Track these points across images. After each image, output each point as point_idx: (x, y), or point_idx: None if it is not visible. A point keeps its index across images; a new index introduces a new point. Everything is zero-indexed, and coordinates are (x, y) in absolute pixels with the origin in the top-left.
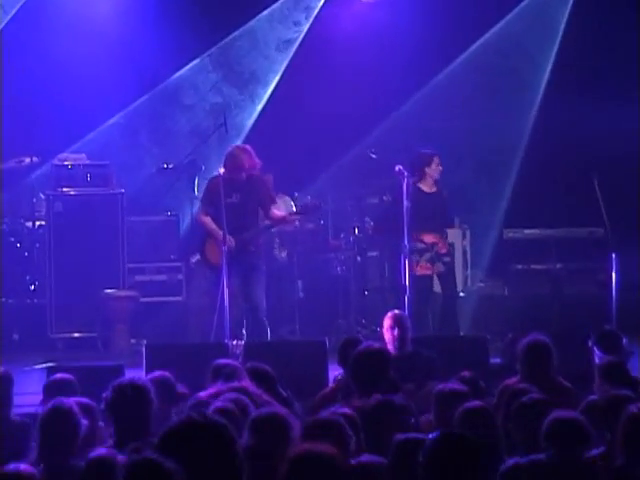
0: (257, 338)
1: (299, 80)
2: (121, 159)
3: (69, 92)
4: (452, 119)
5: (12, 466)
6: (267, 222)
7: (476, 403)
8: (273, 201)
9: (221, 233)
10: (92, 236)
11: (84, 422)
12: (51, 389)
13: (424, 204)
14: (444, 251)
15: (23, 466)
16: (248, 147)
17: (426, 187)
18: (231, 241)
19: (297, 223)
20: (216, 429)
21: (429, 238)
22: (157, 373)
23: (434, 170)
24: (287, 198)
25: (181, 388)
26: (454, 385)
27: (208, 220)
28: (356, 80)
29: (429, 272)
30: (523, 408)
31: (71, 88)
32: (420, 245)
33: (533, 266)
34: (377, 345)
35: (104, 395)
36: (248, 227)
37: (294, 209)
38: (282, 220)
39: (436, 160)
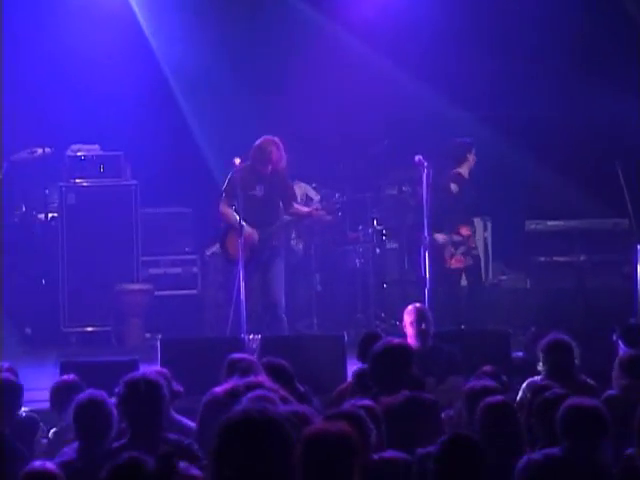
0: (275, 334)
1: (315, 67)
2: (135, 149)
3: (82, 80)
4: (472, 107)
5: (38, 464)
6: (290, 217)
7: (498, 398)
8: (295, 197)
9: (246, 227)
10: (105, 228)
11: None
12: (60, 392)
13: (467, 192)
14: (473, 245)
15: (49, 464)
16: (277, 140)
17: (466, 175)
18: (254, 234)
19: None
20: (278, 427)
21: (465, 231)
22: (154, 369)
23: (473, 159)
24: (303, 184)
25: (176, 386)
26: (485, 382)
27: (230, 212)
28: (373, 67)
29: (461, 265)
30: (545, 403)
31: (84, 76)
32: (457, 238)
33: (556, 258)
34: (397, 340)
35: (116, 390)
36: (271, 221)
37: (311, 194)
38: (306, 215)
39: (473, 150)
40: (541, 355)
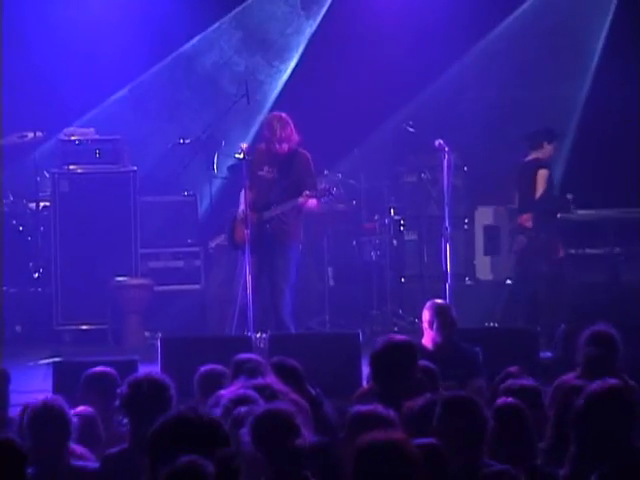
0: (279, 332)
1: (327, 50)
2: (133, 133)
3: (76, 61)
4: (495, 90)
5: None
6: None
7: (508, 400)
8: (313, 186)
9: (241, 207)
10: (102, 218)
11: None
12: (90, 383)
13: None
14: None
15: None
16: (284, 115)
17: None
18: (248, 215)
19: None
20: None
21: (525, 220)
22: (144, 371)
23: (550, 149)
24: None
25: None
26: (524, 381)
27: (242, 195)
28: (389, 50)
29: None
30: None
31: (78, 57)
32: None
33: (588, 250)
34: (400, 337)
35: (119, 391)
36: (270, 204)
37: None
38: (295, 203)
39: (555, 144)
40: (581, 348)
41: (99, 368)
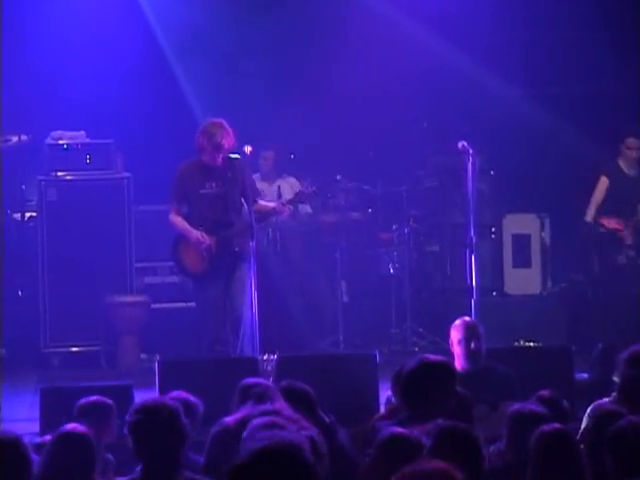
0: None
1: (334, 45)
2: (127, 136)
3: (64, 58)
4: (524, 85)
5: None
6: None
7: (555, 426)
8: (258, 192)
9: (195, 233)
10: (93, 230)
11: (35, 458)
12: (83, 415)
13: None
14: (629, 242)
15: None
16: (224, 122)
17: (624, 166)
18: (207, 239)
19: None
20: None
21: (610, 223)
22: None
23: (625, 150)
24: (293, 180)
25: None
26: (533, 406)
27: (179, 220)
28: (406, 45)
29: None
30: (620, 434)
31: (66, 53)
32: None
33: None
34: (435, 357)
35: (127, 418)
36: (230, 223)
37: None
38: (272, 212)
39: (626, 140)
40: (620, 369)
41: (94, 398)
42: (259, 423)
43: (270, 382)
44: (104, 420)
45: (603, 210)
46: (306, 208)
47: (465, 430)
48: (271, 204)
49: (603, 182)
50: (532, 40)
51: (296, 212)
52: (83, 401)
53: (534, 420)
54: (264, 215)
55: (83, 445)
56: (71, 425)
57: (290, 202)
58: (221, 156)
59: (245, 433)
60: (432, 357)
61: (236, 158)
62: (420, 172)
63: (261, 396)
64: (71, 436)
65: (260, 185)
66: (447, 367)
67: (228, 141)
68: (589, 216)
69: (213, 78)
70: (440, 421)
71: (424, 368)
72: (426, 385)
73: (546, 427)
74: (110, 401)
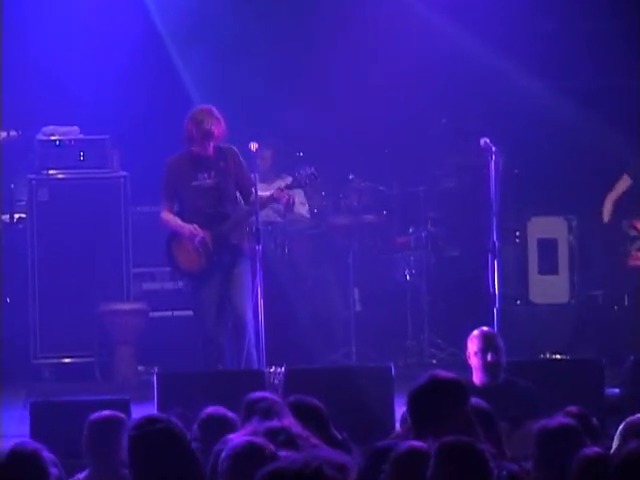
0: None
1: (344, 36)
2: (123, 132)
3: (56, 47)
4: (548, 78)
5: None
6: (248, 206)
7: (594, 450)
8: (254, 182)
9: (187, 227)
10: (87, 232)
11: (54, 472)
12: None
13: None
14: None
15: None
16: (214, 109)
17: None
18: (200, 231)
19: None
20: None
21: None
22: (105, 413)
23: None
24: (289, 178)
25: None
26: (561, 419)
27: (170, 217)
28: (418, 35)
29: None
30: None
31: (59, 42)
32: (633, 232)
33: None
34: (446, 373)
35: (130, 434)
36: (226, 216)
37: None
38: (270, 199)
39: None
40: None
41: (106, 412)
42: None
43: (277, 397)
44: (117, 436)
45: (621, 210)
46: (300, 209)
47: (468, 444)
48: (266, 193)
49: (625, 181)
50: (556, 30)
51: (290, 213)
52: (95, 416)
53: (564, 434)
54: (261, 204)
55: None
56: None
57: (288, 187)
58: (212, 145)
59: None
60: (443, 373)
61: (228, 147)
62: (439, 171)
63: (268, 412)
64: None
65: (258, 186)
66: (459, 384)
67: (218, 129)
68: (606, 216)
69: (215, 72)
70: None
71: (433, 386)
72: (435, 403)
73: (588, 451)
74: (123, 415)
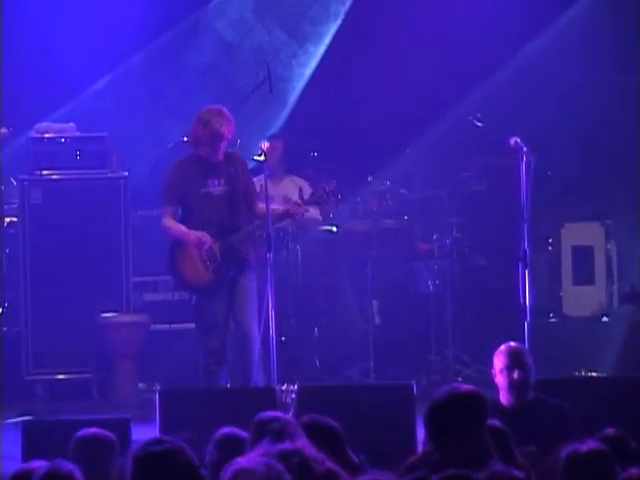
0: (246, 385)
1: (369, 27)
2: (123, 130)
3: (51, 37)
4: (584, 74)
5: None
6: (260, 219)
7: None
8: (257, 194)
9: (193, 234)
10: (84, 238)
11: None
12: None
13: None
14: None
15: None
16: (224, 108)
17: None
18: (208, 239)
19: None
20: None
21: None
22: (91, 430)
23: None
24: (302, 182)
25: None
26: (593, 444)
27: (174, 223)
28: (448, 29)
29: None
30: None
31: (54, 31)
32: None
33: None
34: (467, 387)
35: (134, 453)
36: (236, 226)
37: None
38: (285, 214)
39: None
40: None
41: (93, 430)
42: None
43: (290, 416)
44: (104, 458)
45: None
46: (312, 212)
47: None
48: (281, 206)
49: None
50: (590, 23)
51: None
52: (81, 434)
53: (593, 461)
54: (275, 219)
55: None
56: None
57: (305, 203)
58: (222, 147)
59: None
60: (463, 386)
61: (234, 153)
62: (465, 173)
63: (280, 433)
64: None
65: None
66: (479, 398)
67: (229, 129)
68: None
69: (223, 63)
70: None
71: (452, 401)
72: (454, 417)
73: (635, 471)
74: (112, 435)
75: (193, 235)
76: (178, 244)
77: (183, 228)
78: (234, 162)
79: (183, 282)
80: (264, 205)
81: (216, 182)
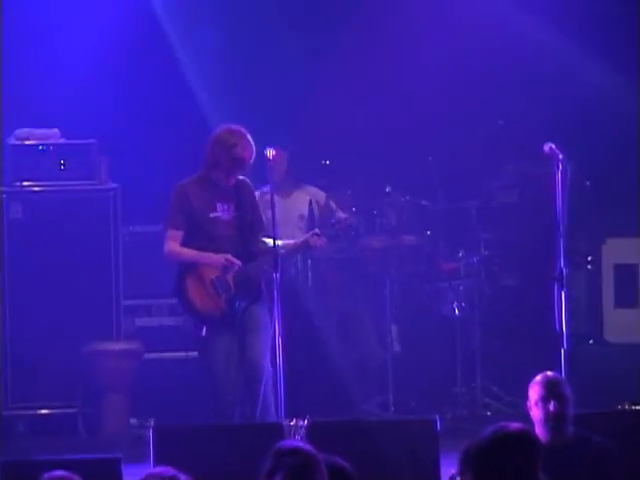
0: (257, 420)
1: (386, 29)
2: (114, 135)
3: (32, 33)
4: (627, 71)
5: None
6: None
7: None
8: (263, 226)
9: (217, 257)
10: (69, 257)
11: None
12: None
13: None
14: None
15: None
16: (244, 130)
17: None
18: (236, 261)
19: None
20: None
21: None
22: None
23: None
24: (314, 189)
25: None
26: None
27: (185, 250)
28: (468, 22)
29: None
30: None
31: (36, 26)
32: None
33: None
34: (517, 425)
35: None
36: (248, 255)
37: (333, 207)
38: (303, 246)
39: None
40: None
41: (59, 473)
42: None
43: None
44: None
45: None
46: None
47: None
48: (292, 241)
49: None
50: (630, 15)
51: None
52: (46, 477)
53: None
54: (293, 250)
55: None
56: None
57: (326, 235)
58: (239, 174)
59: None
60: (513, 425)
61: (242, 179)
62: (494, 183)
63: (295, 470)
64: None
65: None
66: (531, 438)
67: (250, 155)
68: None
69: (224, 61)
70: None
71: (501, 442)
72: (503, 465)
73: None
74: (78, 478)
75: (219, 257)
76: (189, 269)
77: (199, 252)
78: (244, 189)
79: (195, 313)
80: (269, 240)
81: (225, 207)
